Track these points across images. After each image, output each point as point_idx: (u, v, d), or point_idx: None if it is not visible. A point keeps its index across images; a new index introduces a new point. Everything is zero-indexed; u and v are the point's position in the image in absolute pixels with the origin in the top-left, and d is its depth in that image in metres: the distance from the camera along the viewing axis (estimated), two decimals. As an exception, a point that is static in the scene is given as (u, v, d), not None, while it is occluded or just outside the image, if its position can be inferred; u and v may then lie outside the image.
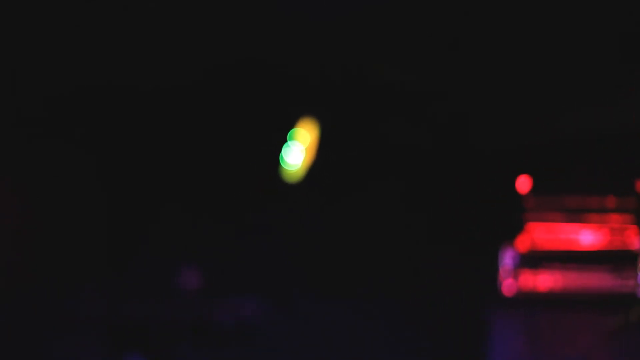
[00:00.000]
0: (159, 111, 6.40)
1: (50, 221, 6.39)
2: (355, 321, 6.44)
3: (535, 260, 6.49)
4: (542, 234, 6.53)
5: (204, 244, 6.47)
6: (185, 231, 6.51)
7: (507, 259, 6.46)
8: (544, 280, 6.43)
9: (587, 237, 6.52)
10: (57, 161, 6.35)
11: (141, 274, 6.48)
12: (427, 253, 6.53)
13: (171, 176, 6.51)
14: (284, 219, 6.52)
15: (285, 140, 6.43)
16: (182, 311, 6.39)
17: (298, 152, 6.48)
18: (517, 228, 6.50)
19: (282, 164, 6.45)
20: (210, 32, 5.80)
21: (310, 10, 5.57)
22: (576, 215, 6.57)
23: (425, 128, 6.57)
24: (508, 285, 6.41)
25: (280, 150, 6.41)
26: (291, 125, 6.41)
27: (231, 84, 6.25)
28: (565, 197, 6.62)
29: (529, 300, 6.43)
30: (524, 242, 6.46)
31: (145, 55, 6.00)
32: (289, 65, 6.18)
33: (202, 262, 6.48)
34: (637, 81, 6.21)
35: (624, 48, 5.86)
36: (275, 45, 5.93)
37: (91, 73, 6.17)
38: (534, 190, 6.59)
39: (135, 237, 6.52)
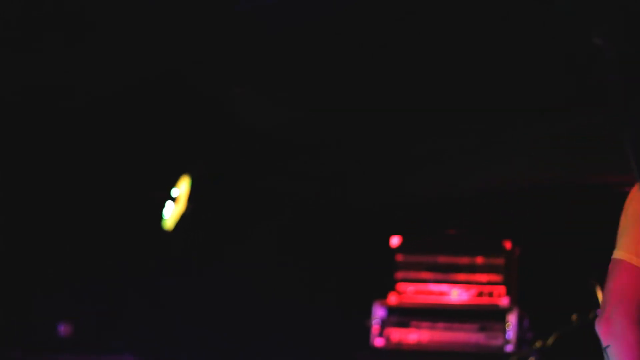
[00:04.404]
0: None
1: None
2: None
3: (405, 315, 6.71)
4: (412, 290, 6.73)
5: (77, 299, 6.50)
6: (60, 284, 6.47)
7: (378, 314, 6.70)
8: (414, 335, 6.67)
9: (456, 294, 6.69)
10: None
11: (16, 329, 6.47)
12: (301, 306, 6.77)
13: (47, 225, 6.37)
14: (162, 274, 6.64)
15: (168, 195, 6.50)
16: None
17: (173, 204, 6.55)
18: (388, 284, 6.70)
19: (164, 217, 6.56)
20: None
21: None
22: (446, 273, 6.73)
23: (305, 184, 6.70)
24: (378, 340, 6.67)
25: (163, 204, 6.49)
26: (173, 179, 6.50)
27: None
28: (436, 256, 6.77)
29: (398, 354, 6.69)
30: (394, 298, 6.67)
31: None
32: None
33: (76, 318, 6.52)
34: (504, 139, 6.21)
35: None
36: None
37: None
38: (405, 248, 6.76)
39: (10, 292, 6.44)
